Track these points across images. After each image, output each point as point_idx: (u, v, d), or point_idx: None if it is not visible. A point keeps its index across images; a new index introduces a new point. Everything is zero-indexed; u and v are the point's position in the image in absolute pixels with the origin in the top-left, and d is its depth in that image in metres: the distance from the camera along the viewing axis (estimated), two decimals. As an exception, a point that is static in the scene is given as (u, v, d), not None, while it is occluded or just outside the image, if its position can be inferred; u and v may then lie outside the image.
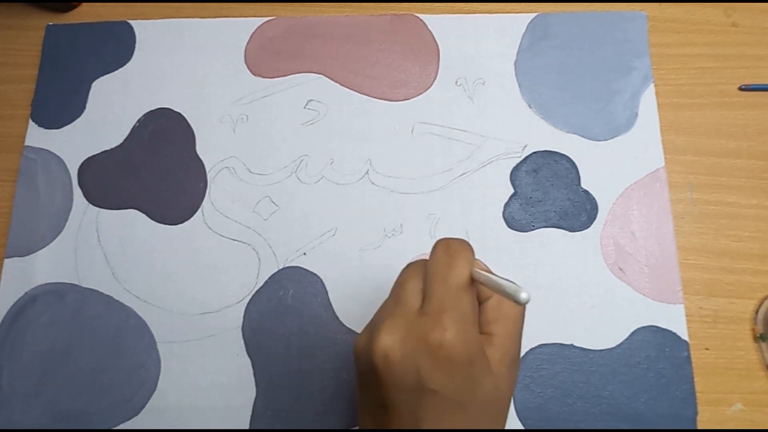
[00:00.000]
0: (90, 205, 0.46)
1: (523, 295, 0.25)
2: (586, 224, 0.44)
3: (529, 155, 0.46)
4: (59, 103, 0.48)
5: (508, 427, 0.40)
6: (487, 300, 0.30)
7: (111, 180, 0.46)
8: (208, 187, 0.46)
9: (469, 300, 0.28)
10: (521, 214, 0.44)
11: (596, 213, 0.44)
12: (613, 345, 0.41)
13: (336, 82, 0.48)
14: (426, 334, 0.26)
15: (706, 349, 0.41)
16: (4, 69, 0.50)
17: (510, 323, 0.30)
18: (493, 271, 0.31)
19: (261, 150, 0.46)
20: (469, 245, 0.31)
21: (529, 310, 0.42)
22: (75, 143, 0.47)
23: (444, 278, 0.28)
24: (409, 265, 0.31)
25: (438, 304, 0.27)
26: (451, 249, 0.29)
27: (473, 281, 0.29)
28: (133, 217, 0.45)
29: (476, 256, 0.44)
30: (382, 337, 0.27)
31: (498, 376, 0.28)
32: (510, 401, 0.30)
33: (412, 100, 0.47)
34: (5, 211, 0.46)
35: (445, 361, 0.26)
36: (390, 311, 0.29)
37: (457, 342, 0.26)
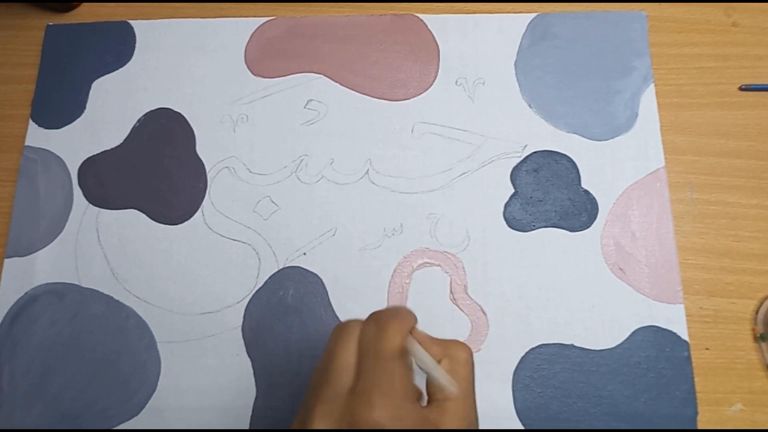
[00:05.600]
0: (90, 205, 0.46)
1: (453, 389, 0.27)
2: (586, 224, 0.44)
3: (530, 155, 0.46)
4: (59, 103, 0.48)
5: (508, 427, 0.40)
6: (438, 363, 0.29)
7: (111, 180, 0.46)
8: (208, 187, 0.46)
9: (401, 371, 0.27)
10: (521, 214, 0.44)
11: (596, 213, 0.44)
12: (613, 345, 0.41)
13: (336, 82, 0.48)
14: (356, 415, 0.25)
15: (707, 349, 0.41)
16: (4, 69, 0.50)
17: (464, 384, 0.29)
18: (436, 337, 0.31)
19: (261, 150, 0.46)
20: (405, 314, 0.30)
21: (529, 310, 0.42)
22: (75, 143, 0.47)
23: (375, 352, 0.27)
24: (341, 330, 0.30)
25: (368, 380, 0.26)
26: (381, 321, 0.28)
27: (407, 351, 0.28)
28: (133, 217, 0.45)
29: (475, 258, 0.44)
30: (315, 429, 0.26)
31: None
32: None
33: (412, 100, 0.47)
34: (5, 211, 0.46)
35: None
36: (322, 393, 0.27)
37: (386, 420, 0.25)
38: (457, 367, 0.29)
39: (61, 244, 0.45)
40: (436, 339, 0.31)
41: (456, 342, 0.31)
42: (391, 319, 0.29)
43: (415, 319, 0.31)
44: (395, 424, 0.25)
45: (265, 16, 0.50)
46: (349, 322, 0.30)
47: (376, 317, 0.29)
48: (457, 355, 0.30)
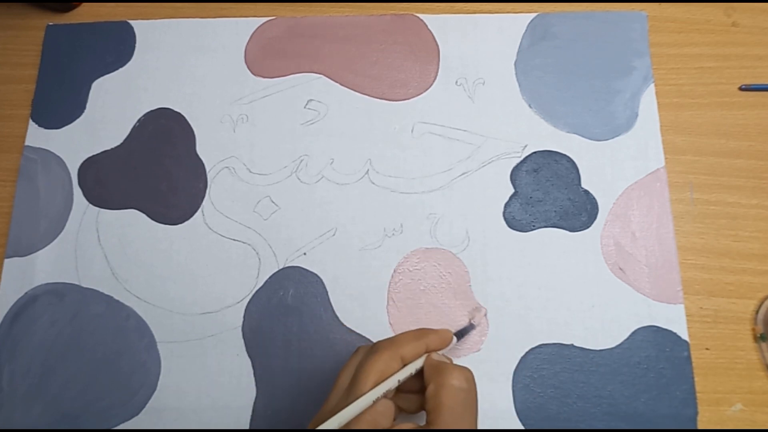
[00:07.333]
0: (90, 205, 0.46)
1: None
2: (586, 224, 0.44)
3: (530, 155, 0.46)
4: (59, 103, 0.48)
5: (508, 427, 0.40)
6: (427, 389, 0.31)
7: (111, 180, 0.46)
8: (208, 187, 0.46)
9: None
10: (521, 214, 0.44)
11: (596, 213, 0.44)
12: (613, 345, 0.41)
13: (336, 82, 0.48)
14: None
15: (707, 349, 0.41)
16: (4, 69, 0.50)
17: (448, 412, 0.30)
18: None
19: (261, 150, 0.46)
20: (400, 346, 0.33)
21: (529, 310, 0.42)
22: (75, 143, 0.47)
23: (352, 383, 0.32)
24: (354, 354, 0.34)
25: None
26: (372, 351, 0.33)
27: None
28: (133, 217, 0.45)
29: (475, 258, 0.44)
30: None
31: None
32: None
33: (412, 100, 0.47)
34: (5, 211, 0.46)
35: None
36: (322, 408, 0.32)
37: None
38: (441, 393, 0.30)
39: (61, 244, 0.45)
40: (440, 363, 0.32)
41: (456, 369, 0.32)
42: (375, 356, 0.31)
43: (426, 347, 0.34)
44: None
45: (265, 16, 0.50)
46: (361, 348, 0.34)
47: (373, 349, 0.33)
48: (447, 381, 0.31)
